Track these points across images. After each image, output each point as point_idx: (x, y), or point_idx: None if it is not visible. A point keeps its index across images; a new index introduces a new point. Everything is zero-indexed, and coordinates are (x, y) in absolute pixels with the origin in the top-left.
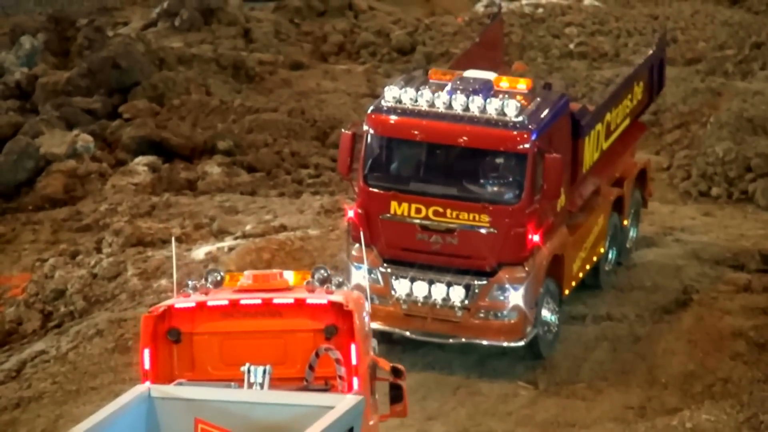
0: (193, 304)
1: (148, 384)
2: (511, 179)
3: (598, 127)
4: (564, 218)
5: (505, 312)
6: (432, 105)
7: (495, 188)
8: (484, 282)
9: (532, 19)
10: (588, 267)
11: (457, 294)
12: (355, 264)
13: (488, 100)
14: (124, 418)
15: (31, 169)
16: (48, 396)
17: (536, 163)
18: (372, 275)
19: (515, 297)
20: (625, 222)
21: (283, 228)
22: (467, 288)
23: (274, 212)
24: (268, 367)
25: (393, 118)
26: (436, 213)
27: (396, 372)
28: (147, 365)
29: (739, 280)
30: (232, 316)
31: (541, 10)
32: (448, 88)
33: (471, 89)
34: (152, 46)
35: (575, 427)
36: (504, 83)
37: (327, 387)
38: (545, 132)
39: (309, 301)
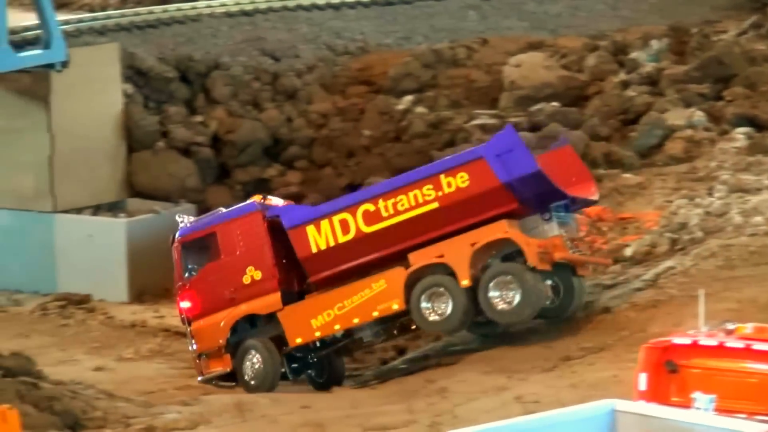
0: (689, 342)
1: (614, 399)
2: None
3: (341, 216)
4: (263, 289)
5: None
6: None
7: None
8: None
9: None
10: (357, 320)
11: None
12: None
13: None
14: (589, 421)
15: (660, 136)
16: (676, 300)
17: (178, 255)
18: None
19: (195, 346)
20: (464, 282)
21: None
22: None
23: None
24: (712, 396)
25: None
26: None
27: None
28: (642, 387)
29: None
30: (719, 356)
31: None
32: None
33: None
34: (745, 48)
35: None
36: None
37: None
38: (198, 232)
39: None
